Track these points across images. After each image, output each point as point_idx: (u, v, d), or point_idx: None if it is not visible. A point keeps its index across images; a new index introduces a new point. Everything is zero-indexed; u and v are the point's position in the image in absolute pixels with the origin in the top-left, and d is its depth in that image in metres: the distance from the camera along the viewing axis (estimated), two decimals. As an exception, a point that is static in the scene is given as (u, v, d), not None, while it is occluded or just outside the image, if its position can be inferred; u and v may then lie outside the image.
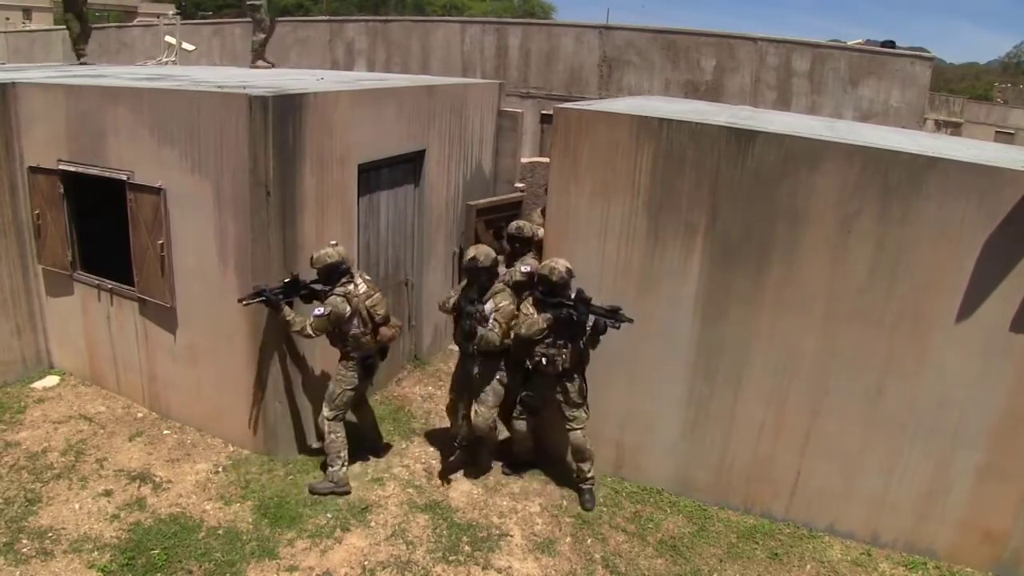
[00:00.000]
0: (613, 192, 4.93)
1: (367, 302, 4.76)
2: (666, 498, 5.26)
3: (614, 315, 4.62)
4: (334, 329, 4.78)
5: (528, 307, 4.85)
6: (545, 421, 5.22)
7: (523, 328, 4.76)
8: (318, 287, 4.87)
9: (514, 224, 5.66)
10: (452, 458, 5.36)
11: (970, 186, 4.19)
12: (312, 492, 4.97)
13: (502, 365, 5.01)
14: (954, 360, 4.43)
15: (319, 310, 4.69)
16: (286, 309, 4.80)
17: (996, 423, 4.45)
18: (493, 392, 5.03)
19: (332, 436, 4.95)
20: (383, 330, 4.89)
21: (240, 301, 4.81)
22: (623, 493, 5.30)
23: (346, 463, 5.02)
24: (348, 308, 4.69)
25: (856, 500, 4.86)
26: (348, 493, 5.00)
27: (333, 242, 4.83)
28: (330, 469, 5.00)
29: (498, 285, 4.91)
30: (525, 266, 5.21)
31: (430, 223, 6.79)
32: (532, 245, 5.53)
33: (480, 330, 4.79)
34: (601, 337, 4.72)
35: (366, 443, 5.47)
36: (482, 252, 4.85)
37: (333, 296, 4.70)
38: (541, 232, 6.03)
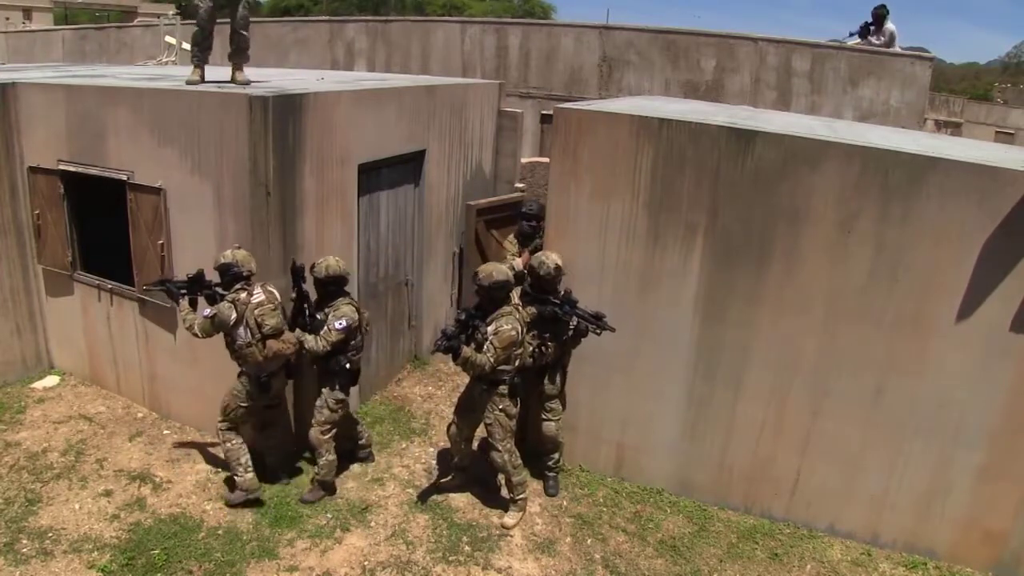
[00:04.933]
0: (613, 192, 4.93)
1: (256, 311, 4.50)
2: (666, 498, 5.26)
3: (597, 321, 4.58)
4: (225, 337, 4.60)
5: (515, 299, 4.83)
6: (532, 418, 5.19)
7: None
8: (219, 289, 4.68)
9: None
10: (447, 479, 5.29)
11: (970, 186, 4.19)
12: (228, 505, 4.81)
13: (505, 393, 4.64)
14: (954, 360, 4.42)
15: (206, 311, 4.54)
16: (183, 303, 4.69)
17: (996, 423, 4.45)
18: (499, 426, 4.69)
19: (227, 445, 4.77)
20: (270, 343, 4.56)
21: (143, 287, 5.09)
22: (623, 493, 5.30)
23: (249, 467, 4.80)
24: (234, 315, 4.47)
25: (856, 500, 4.86)
26: (261, 502, 4.84)
27: (236, 245, 4.71)
28: (236, 479, 4.81)
29: (506, 308, 4.51)
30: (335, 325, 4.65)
31: (430, 223, 6.79)
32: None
33: (466, 351, 4.30)
34: (583, 339, 4.74)
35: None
36: (494, 270, 4.55)
37: (223, 301, 4.54)
38: (518, 263, 5.62)
